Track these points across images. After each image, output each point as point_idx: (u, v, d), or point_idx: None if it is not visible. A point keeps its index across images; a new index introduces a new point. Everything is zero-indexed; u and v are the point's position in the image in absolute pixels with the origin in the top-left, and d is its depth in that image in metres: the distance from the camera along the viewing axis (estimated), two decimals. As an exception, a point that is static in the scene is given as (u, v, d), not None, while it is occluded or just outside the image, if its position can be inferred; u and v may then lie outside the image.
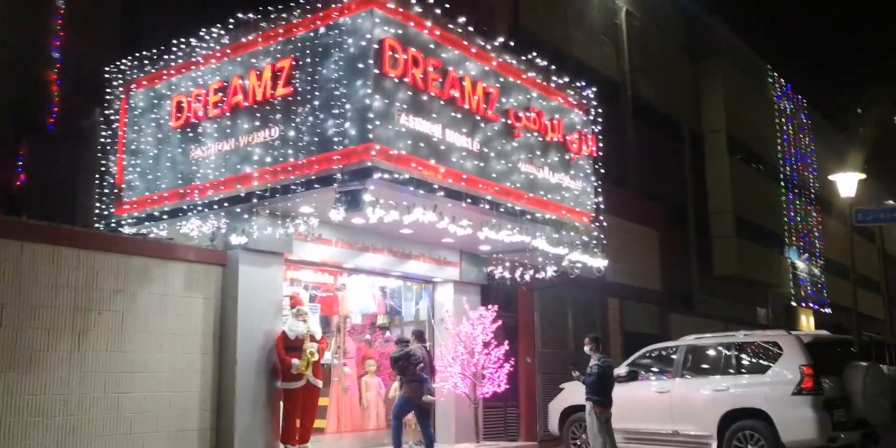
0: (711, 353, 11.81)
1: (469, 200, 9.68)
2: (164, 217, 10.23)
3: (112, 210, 10.91)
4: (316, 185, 8.85)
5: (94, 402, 8.27)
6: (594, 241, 12.05)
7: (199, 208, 9.77)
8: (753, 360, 11.30)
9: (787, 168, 31.90)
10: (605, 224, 12.36)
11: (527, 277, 12.77)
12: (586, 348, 11.13)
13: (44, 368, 7.98)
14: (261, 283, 9.82)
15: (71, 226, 8.68)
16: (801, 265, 31.55)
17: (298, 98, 9.20)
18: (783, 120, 32.35)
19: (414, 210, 9.08)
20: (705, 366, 11.74)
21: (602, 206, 12.42)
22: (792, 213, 31.62)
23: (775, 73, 32.56)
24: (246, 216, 9.49)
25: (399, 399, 10.57)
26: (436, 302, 12.81)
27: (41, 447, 7.82)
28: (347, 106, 8.81)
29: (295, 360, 9.52)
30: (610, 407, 10.64)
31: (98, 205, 11.01)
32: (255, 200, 9.31)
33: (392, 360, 10.60)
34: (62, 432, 7.99)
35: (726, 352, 11.59)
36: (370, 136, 8.60)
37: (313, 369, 9.67)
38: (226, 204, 9.57)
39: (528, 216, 10.70)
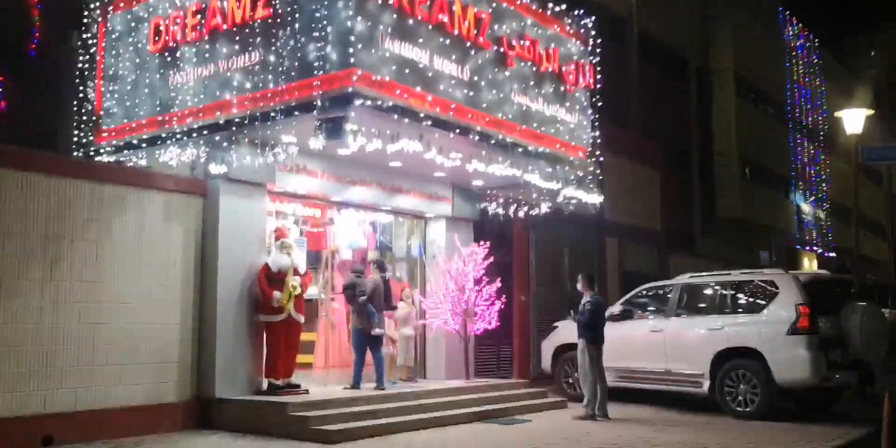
0: (707, 291, 11.58)
1: (458, 131, 9.30)
2: (143, 145, 9.86)
3: (91, 138, 10.54)
4: (296, 112, 8.46)
5: (68, 332, 8.08)
6: (590, 177, 11.68)
7: (178, 136, 9.39)
8: (749, 300, 11.07)
9: (796, 110, 31.24)
10: (601, 159, 11.97)
11: (521, 214, 12.47)
12: (579, 285, 10.92)
13: (13, 297, 7.76)
14: (243, 215, 9.54)
15: (42, 151, 8.35)
16: (806, 208, 31.19)
17: (278, 20, 8.73)
18: (793, 60, 31.53)
19: (399, 139, 8.71)
20: (701, 305, 11.53)
21: (599, 141, 12.01)
22: (799, 156, 31.10)
23: (787, 12, 31.59)
24: (225, 144, 9.13)
25: (352, 330, 10.49)
26: (427, 238, 12.54)
27: (14, 377, 7.66)
28: (329, 29, 8.35)
29: (276, 293, 9.30)
30: (602, 345, 10.48)
31: (77, 133, 10.66)
32: (234, 128, 8.93)
33: (342, 289, 10.61)
34: (35, 362, 7.82)
35: (722, 291, 11.36)
36: (352, 60, 8.17)
37: (295, 304, 9.45)
38: (205, 132, 9.19)
39: (521, 149, 10.32)
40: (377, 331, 10.42)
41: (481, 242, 12.00)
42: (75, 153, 10.28)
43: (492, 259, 11.92)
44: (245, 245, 9.52)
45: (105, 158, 10.08)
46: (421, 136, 8.91)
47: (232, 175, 9.35)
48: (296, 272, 9.57)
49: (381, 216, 12.40)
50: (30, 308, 7.85)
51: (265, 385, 9.42)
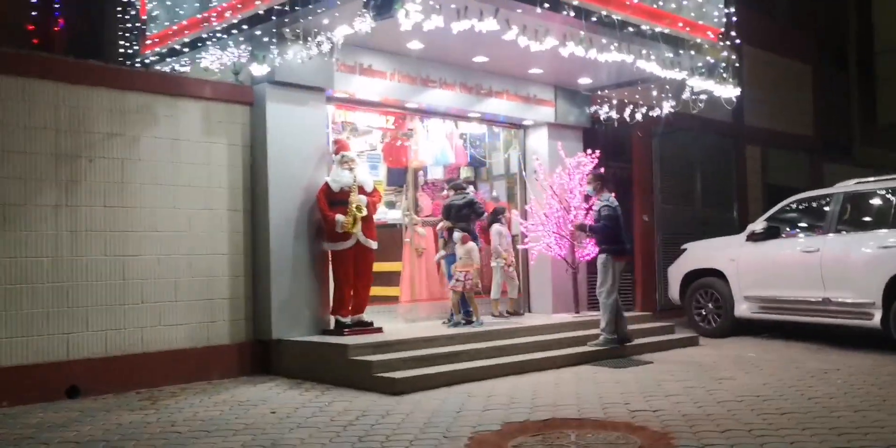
0: (877, 201, 9.23)
1: (546, 5, 7.35)
2: (185, 50, 8.54)
3: (137, 48, 9.30)
4: (339, -11, 6.81)
5: (91, 266, 6.94)
6: (723, 64, 9.43)
7: (219, 35, 7.97)
8: (935, 210, 8.70)
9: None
10: (738, 43, 9.64)
11: (640, 117, 10.42)
12: (589, 188, 9.08)
13: (21, 226, 6.63)
14: (296, 125, 8.05)
15: (45, 53, 7.09)
16: None
17: None
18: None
19: (466, 16, 6.89)
20: (868, 218, 9.24)
21: (735, 19, 9.66)
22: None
23: None
24: (267, 39, 7.60)
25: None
26: (527, 150, 10.72)
27: (29, 318, 6.60)
28: None
29: (339, 217, 7.83)
30: (629, 256, 8.67)
31: (123, 43, 9.43)
32: (274, 18, 7.40)
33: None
34: (54, 301, 6.73)
35: (898, 200, 9.01)
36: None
37: (364, 227, 7.95)
38: (245, 26, 7.70)
39: (631, 28, 8.26)
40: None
41: (590, 151, 10.06)
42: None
43: (603, 171, 9.99)
44: (301, 161, 8.06)
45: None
46: (497, 10, 7.04)
47: (281, 78, 7.85)
48: (361, 190, 8.04)
49: (472, 126, 10.64)
50: (42, 238, 6.72)
51: (333, 323, 8.08)
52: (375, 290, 8.69)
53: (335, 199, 7.93)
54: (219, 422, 5.79)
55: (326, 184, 8.00)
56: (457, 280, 8.58)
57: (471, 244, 8.69)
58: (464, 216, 8.99)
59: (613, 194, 8.92)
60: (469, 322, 8.56)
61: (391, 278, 9.87)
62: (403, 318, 9.21)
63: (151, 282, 7.26)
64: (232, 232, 7.84)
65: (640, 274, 12.23)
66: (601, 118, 10.68)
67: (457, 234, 8.75)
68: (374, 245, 8.11)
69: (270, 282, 7.77)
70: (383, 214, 10.53)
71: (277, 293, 7.78)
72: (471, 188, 10.07)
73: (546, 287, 10.39)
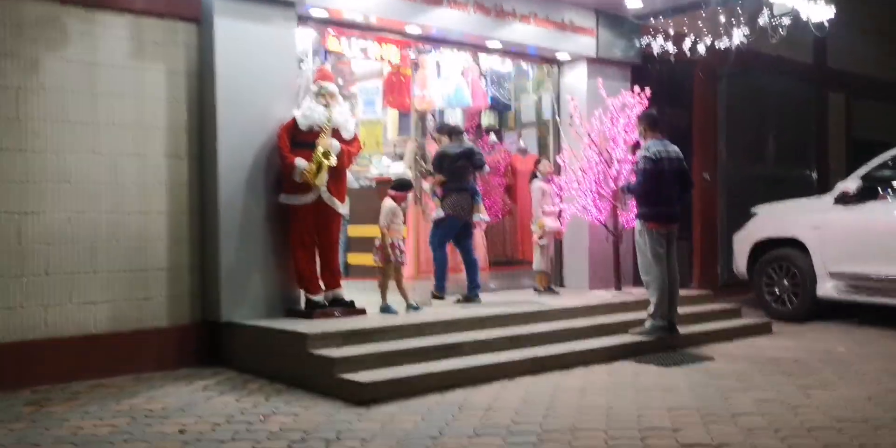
0: None
1: None
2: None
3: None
4: None
5: (-27, 226, 5.32)
6: (814, -26, 7.34)
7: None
8: None
9: None
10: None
11: (701, 50, 8.39)
12: (636, 133, 7.22)
13: None
14: (256, 50, 6.25)
15: None
16: None
17: None
18: None
19: None
20: None
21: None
22: None
23: None
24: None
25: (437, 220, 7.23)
26: (562, 90, 8.78)
27: None
28: None
29: (300, 161, 6.03)
30: (673, 223, 6.68)
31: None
32: None
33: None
34: (-82, 272, 5.14)
35: None
36: None
37: (331, 182, 6.16)
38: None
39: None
40: (481, 217, 7.12)
41: (637, 90, 8.08)
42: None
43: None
44: (260, 96, 6.27)
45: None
46: None
47: (238, -12, 6.06)
48: (336, 135, 6.24)
49: (494, 61, 8.72)
50: None
51: (303, 302, 6.38)
52: (372, 261, 6.89)
53: (301, 139, 6.14)
54: (96, 445, 4.14)
55: (293, 120, 6.21)
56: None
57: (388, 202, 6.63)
58: (459, 168, 7.13)
59: (666, 139, 6.92)
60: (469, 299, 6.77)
61: (393, 245, 8.10)
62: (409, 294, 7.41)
63: (59, 247, 5.61)
64: (172, 184, 6.14)
65: (698, 243, 10.26)
66: (654, 53, 8.66)
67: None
68: (341, 208, 6.29)
69: (219, 247, 6.07)
70: (385, 168, 8.78)
71: (227, 262, 6.08)
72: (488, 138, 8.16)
73: (581, 257, 8.53)
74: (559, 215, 7.97)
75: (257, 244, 6.21)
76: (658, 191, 6.69)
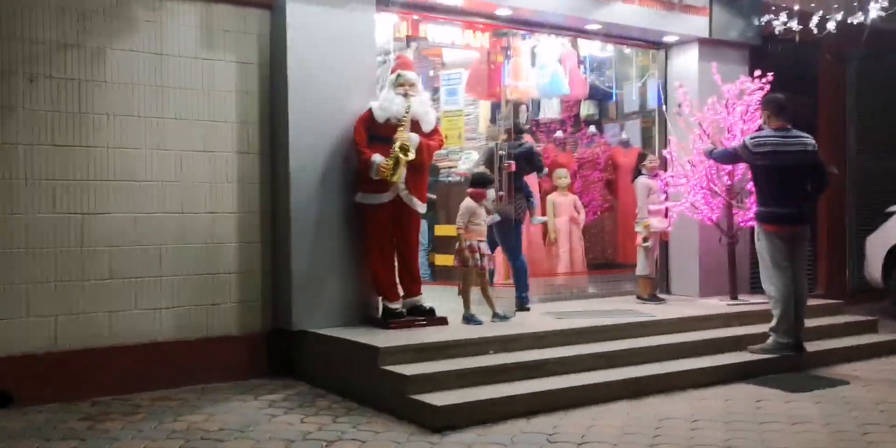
0: None
1: None
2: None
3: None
4: None
5: (34, 226, 5.01)
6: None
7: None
8: None
9: None
10: None
11: (830, 28, 7.44)
12: (761, 120, 6.30)
13: (-76, 172, 4.82)
14: (333, 38, 5.78)
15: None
16: None
17: None
18: None
19: None
20: None
21: None
22: None
23: None
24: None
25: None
26: (669, 76, 7.98)
27: (-60, 299, 4.81)
28: None
29: (377, 157, 5.53)
30: (797, 225, 5.71)
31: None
32: None
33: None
34: (-24, 276, 4.90)
35: None
36: None
37: (409, 179, 5.63)
38: None
39: None
40: (491, 218, 6.38)
41: (757, 75, 7.21)
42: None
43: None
44: (337, 88, 5.80)
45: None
46: None
47: (309, -31, 5.61)
48: (416, 128, 5.70)
49: (594, 46, 8.00)
50: (-40, 189, 4.89)
51: (381, 310, 5.89)
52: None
53: (378, 133, 5.63)
54: (139, 474, 3.75)
55: (370, 111, 5.70)
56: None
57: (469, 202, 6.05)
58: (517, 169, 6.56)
59: (792, 129, 6.07)
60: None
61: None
62: (497, 302, 6.81)
63: (124, 250, 5.29)
64: (242, 182, 5.75)
65: (823, 246, 9.24)
66: (775, 32, 7.75)
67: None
68: (420, 207, 5.75)
69: (290, 251, 5.64)
70: (471, 164, 8.19)
71: (299, 266, 5.64)
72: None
73: (691, 261, 7.72)
74: (665, 214, 7.20)
75: (332, 247, 5.75)
76: (770, 187, 5.86)
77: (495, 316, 5.92)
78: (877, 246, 8.11)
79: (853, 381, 5.53)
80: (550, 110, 8.49)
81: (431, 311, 5.81)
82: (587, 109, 8.52)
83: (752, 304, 6.98)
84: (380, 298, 5.85)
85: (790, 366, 5.83)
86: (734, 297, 7.22)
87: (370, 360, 4.90)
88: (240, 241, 5.72)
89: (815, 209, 8.62)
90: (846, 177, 9.46)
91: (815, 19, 7.50)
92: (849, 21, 7.37)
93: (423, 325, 5.66)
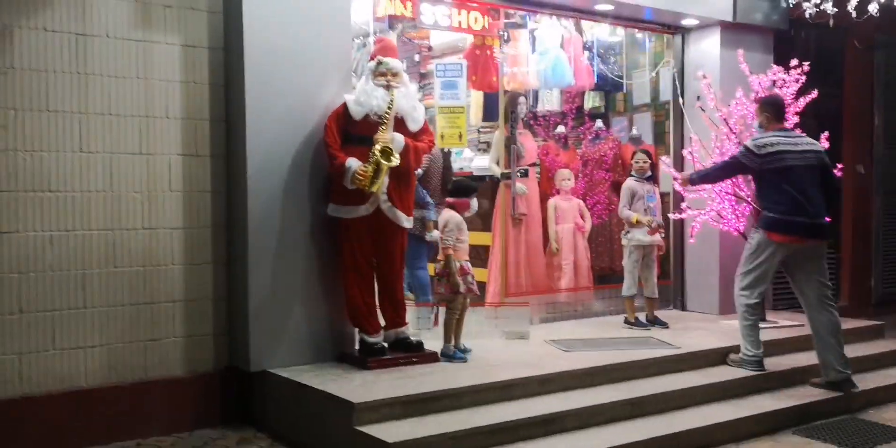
0: None
1: None
2: None
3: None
4: None
5: (-82, 251, 4.03)
6: None
7: None
8: None
9: None
10: None
11: (872, 9, 6.57)
12: (756, 122, 5.50)
13: None
14: (300, 17, 4.78)
15: None
16: None
17: None
18: None
19: None
20: None
21: None
22: None
23: None
24: None
25: None
26: (687, 64, 7.05)
27: None
28: None
29: (352, 161, 4.56)
30: (811, 238, 4.92)
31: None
32: None
33: None
34: None
35: None
36: None
37: (393, 189, 4.68)
38: None
39: None
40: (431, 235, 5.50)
41: (793, 65, 6.28)
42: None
43: (812, 95, 6.23)
44: (306, 77, 4.81)
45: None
46: None
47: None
48: (400, 127, 4.73)
49: (602, 30, 7.05)
50: None
51: (357, 343, 4.92)
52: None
53: (355, 132, 4.66)
54: None
55: (344, 106, 4.72)
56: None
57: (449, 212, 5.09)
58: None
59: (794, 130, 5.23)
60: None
61: (477, 255, 6.56)
62: (487, 326, 5.88)
63: (38, 276, 4.28)
64: (189, 192, 4.75)
65: (848, 251, 8.38)
66: (806, 15, 6.83)
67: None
68: (405, 221, 4.79)
69: (249, 272, 4.65)
70: (468, 162, 7.26)
71: (258, 291, 4.66)
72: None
73: (710, 276, 6.83)
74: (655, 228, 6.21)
75: (299, 269, 4.78)
76: (784, 192, 4.96)
77: (461, 350, 4.96)
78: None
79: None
80: (549, 102, 7.52)
81: (419, 345, 4.86)
82: (592, 101, 7.55)
83: (784, 327, 6.10)
84: (356, 330, 4.89)
85: (839, 408, 4.95)
86: (762, 318, 6.31)
87: (343, 417, 3.93)
88: (186, 262, 4.72)
89: (837, 218, 7.73)
90: (873, 176, 8.58)
91: (853, 1, 6.59)
92: (875, 4, 6.48)
93: (411, 363, 4.71)
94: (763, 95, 5.74)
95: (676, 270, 7.04)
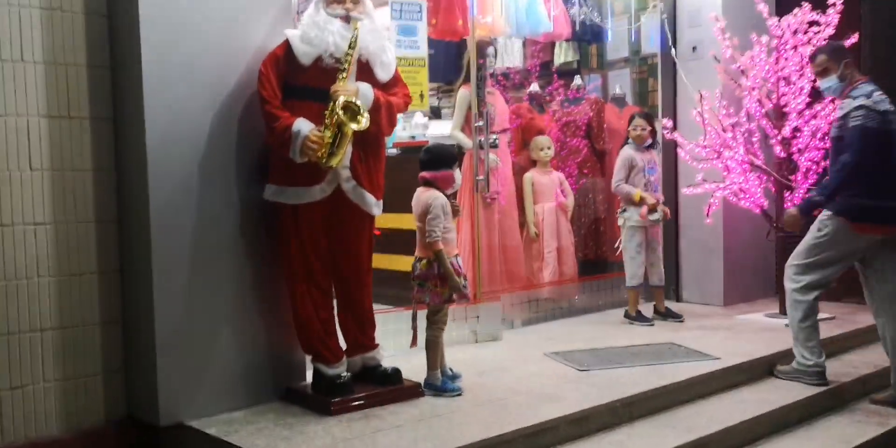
0: None
1: None
2: None
3: None
4: None
5: None
6: None
7: None
8: None
9: None
10: None
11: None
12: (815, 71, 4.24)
13: None
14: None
15: None
16: None
17: None
18: None
19: None
20: None
21: None
22: None
23: None
24: None
25: None
26: (679, 9, 5.92)
27: None
28: None
29: (301, 124, 3.20)
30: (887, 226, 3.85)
31: None
32: None
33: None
34: None
35: None
36: None
37: (357, 160, 3.35)
38: None
39: None
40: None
41: (831, 2, 5.21)
42: None
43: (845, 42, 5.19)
44: (223, 7, 3.38)
45: None
46: None
47: None
48: (364, 72, 3.37)
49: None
50: None
51: (311, 375, 3.58)
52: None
53: (302, 83, 3.28)
54: None
55: (286, 45, 3.33)
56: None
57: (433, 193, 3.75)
58: None
59: (870, 86, 4.09)
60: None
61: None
62: (467, 336, 4.64)
63: None
64: (61, 170, 3.27)
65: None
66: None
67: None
68: (374, 207, 3.47)
69: (153, 285, 3.23)
70: (421, 130, 5.97)
71: (168, 310, 3.25)
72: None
73: (713, 260, 5.80)
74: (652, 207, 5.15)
75: (224, 278, 3.38)
76: (881, 168, 3.90)
77: (450, 377, 3.70)
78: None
79: None
80: (511, 56, 6.27)
81: (396, 374, 3.56)
82: (564, 55, 6.33)
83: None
84: (309, 358, 3.56)
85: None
86: (782, 312, 5.30)
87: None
88: (58, 273, 3.26)
89: None
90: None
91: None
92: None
93: (388, 402, 3.42)
94: (830, 43, 4.50)
95: (669, 254, 5.95)
